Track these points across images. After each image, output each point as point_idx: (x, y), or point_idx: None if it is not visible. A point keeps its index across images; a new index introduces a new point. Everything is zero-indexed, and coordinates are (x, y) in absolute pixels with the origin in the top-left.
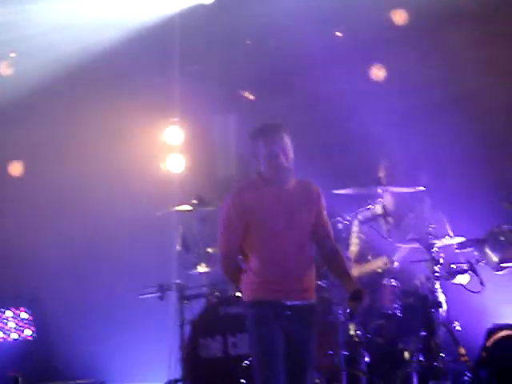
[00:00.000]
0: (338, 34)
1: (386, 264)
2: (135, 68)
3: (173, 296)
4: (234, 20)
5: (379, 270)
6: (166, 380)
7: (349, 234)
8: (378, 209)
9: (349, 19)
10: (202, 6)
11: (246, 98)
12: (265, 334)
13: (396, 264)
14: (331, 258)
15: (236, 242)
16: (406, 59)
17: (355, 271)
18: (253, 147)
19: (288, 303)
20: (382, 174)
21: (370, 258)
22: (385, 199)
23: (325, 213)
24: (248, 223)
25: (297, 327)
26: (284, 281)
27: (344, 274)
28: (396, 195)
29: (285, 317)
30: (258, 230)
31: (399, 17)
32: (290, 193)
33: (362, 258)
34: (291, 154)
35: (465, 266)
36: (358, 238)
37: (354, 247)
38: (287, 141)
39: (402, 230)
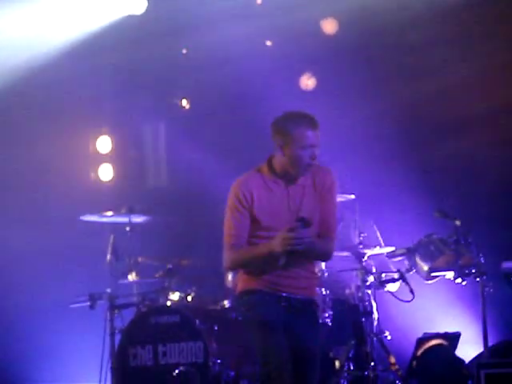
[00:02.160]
0: (268, 43)
1: None
2: (67, 80)
3: (103, 305)
4: (166, 29)
5: None
6: None
7: None
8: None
9: (279, 29)
10: (132, 16)
11: (179, 107)
12: (263, 312)
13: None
14: None
15: (244, 231)
16: (335, 69)
17: None
18: (282, 132)
19: (284, 295)
20: None
21: None
22: None
23: (330, 206)
24: (250, 216)
25: (295, 321)
26: (278, 279)
27: None
28: None
29: (282, 308)
30: (257, 227)
31: (330, 26)
32: (297, 189)
33: None
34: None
35: (395, 275)
36: None
37: None
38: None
39: None
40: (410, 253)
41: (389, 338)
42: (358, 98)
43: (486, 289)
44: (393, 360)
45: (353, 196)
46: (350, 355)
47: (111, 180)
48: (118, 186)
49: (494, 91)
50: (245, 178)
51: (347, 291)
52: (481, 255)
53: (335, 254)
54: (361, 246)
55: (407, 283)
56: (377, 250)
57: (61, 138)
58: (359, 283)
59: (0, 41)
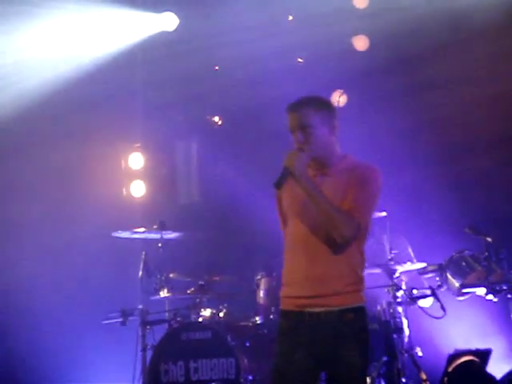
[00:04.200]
0: (300, 60)
1: None
2: (99, 96)
3: (135, 321)
4: (197, 46)
5: None
6: None
7: None
8: None
9: (310, 45)
10: (166, 32)
11: (211, 123)
12: (280, 351)
13: None
14: None
15: None
16: (367, 85)
17: None
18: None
19: (308, 311)
20: None
21: None
22: None
23: (357, 189)
24: None
25: (322, 340)
26: (301, 287)
27: None
28: None
29: (306, 328)
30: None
31: (361, 43)
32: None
33: None
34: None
35: (427, 292)
36: None
37: None
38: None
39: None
40: (441, 269)
41: (420, 354)
42: (389, 114)
43: None
44: (424, 376)
45: (384, 213)
46: (382, 372)
47: (143, 196)
48: (150, 202)
49: None
50: None
51: (378, 308)
52: None
53: (367, 271)
54: (392, 263)
55: (438, 300)
56: (408, 267)
57: (93, 155)
58: (390, 300)
59: (32, 57)
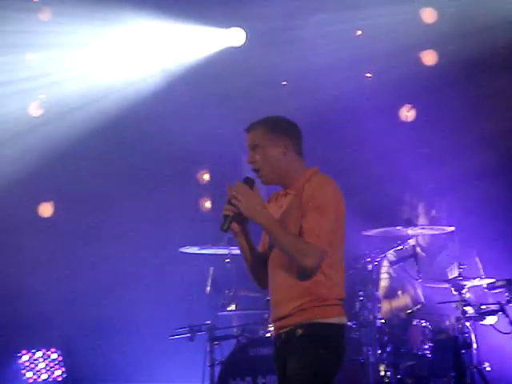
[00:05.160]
0: (368, 75)
1: (411, 301)
2: (166, 113)
3: (203, 337)
4: (265, 61)
5: (408, 311)
6: None
7: (379, 274)
8: (409, 249)
9: (379, 60)
10: (233, 48)
11: None
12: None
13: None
14: None
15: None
16: (435, 100)
17: (385, 306)
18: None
19: (278, 333)
20: (413, 214)
21: (399, 293)
22: (416, 239)
23: (308, 213)
24: None
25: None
26: (272, 311)
27: None
28: (427, 235)
29: (276, 351)
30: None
31: (429, 57)
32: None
33: (391, 294)
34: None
35: (495, 307)
36: (388, 274)
37: (383, 283)
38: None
39: (433, 271)
40: (510, 284)
41: (488, 369)
42: (458, 129)
43: None
44: None
45: (452, 228)
46: None
47: (210, 211)
48: (218, 217)
49: None
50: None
51: (447, 323)
52: None
53: (434, 285)
54: (460, 278)
55: (507, 315)
56: (476, 282)
57: (161, 171)
58: (459, 315)
59: (101, 76)
